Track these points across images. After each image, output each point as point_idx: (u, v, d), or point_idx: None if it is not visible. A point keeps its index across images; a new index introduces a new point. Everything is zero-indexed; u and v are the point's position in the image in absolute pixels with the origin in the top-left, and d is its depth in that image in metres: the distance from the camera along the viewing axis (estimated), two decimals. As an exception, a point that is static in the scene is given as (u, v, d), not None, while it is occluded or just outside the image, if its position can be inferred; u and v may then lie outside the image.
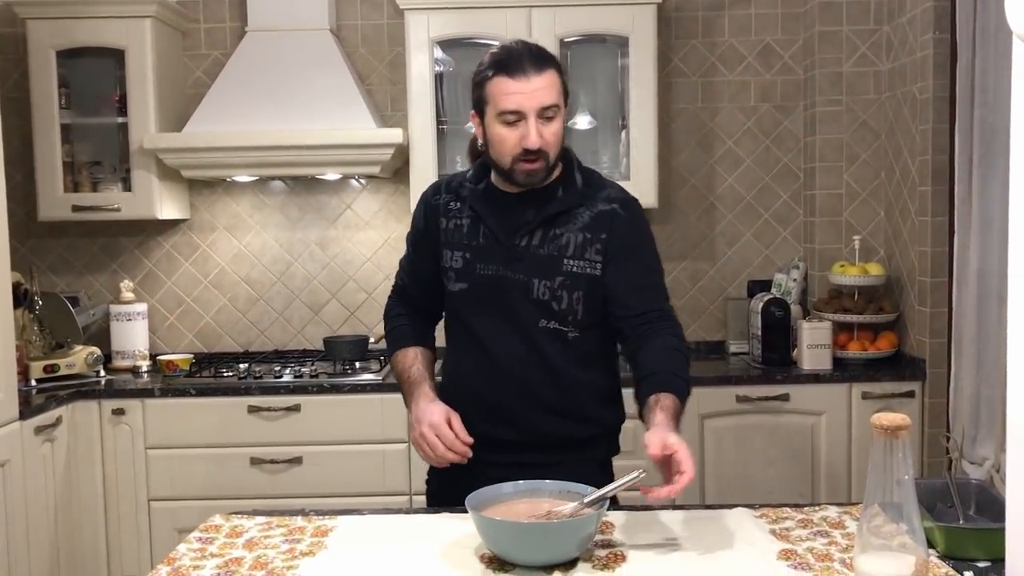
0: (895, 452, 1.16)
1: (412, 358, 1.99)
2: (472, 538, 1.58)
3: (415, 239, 2.02)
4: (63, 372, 3.28)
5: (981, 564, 1.47)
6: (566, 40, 3.38)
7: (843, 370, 3.26)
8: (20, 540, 2.83)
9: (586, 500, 1.54)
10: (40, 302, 3.32)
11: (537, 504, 1.58)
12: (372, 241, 3.79)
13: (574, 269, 1.85)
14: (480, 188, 1.92)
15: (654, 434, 1.58)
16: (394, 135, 3.33)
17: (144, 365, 3.50)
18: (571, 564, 1.48)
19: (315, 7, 3.53)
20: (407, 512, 1.83)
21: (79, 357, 3.32)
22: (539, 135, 1.78)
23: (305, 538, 1.66)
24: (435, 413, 1.83)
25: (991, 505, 1.62)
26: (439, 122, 3.45)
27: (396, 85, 3.71)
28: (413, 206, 3.38)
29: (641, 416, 1.74)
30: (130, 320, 3.57)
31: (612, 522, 1.68)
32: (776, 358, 3.34)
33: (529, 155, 1.79)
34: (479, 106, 1.84)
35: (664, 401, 1.69)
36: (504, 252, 1.87)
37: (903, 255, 3.37)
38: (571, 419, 1.91)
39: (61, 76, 3.46)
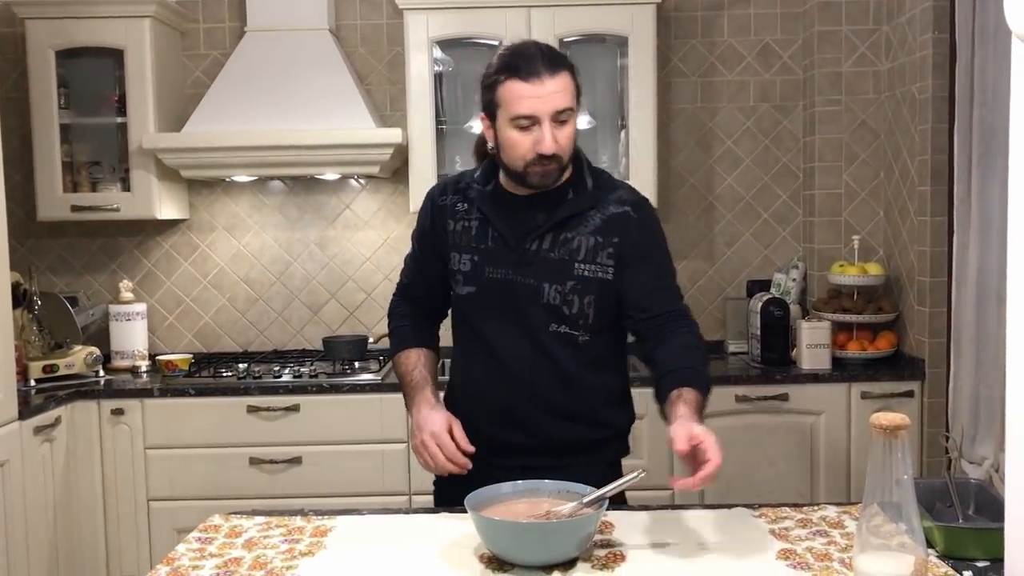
0: (894, 452, 1.16)
1: (415, 360, 1.98)
2: (471, 538, 1.57)
3: (421, 238, 2.00)
4: (62, 372, 3.28)
5: (980, 564, 1.47)
6: (565, 40, 3.38)
7: (842, 370, 3.26)
8: (19, 540, 2.82)
9: (585, 500, 1.53)
10: (39, 302, 3.31)
11: (536, 504, 1.58)
12: (371, 241, 3.79)
13: (585, 273, 1.83)
14: (488, 190, 1.89)
15: (679, 427, 1.56)
16: (393, 135, 3.33)
17: (143, 365, 3.50)
18: (570, 564, 1.48)
19: (314, 7, 3.53)
20: (406, 512, 1.83)
21: (78, 357, 3.32)
22: (554, 139, 1.74)
23: (304, 538, 1.66)
24: (436, 422, 1.82)
25: (990, 505, 1.62)
26: (438, 122, 3.45)
27: (395, 85, 3.71)
28: (412, 206, 3.44)
29: (662, 414, 1.71)
30: (129, 320, 3.57)
31: (611, 522, 1.68)
32: (775, 358, 3.34)
33: (543, 159, 1.76)
34: (490, 109, 1.80)
35: (686, 395, 1.67)
36: (513, 256, 1.85)
37: (902, 255, 3.37)
38: (581, 423, 1.89)
39: (60, 76, 3.46)
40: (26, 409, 2.92)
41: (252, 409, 3.19)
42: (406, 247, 3.92)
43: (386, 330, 3.68)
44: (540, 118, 1.73)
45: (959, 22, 2.83)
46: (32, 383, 3.21)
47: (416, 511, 1.85)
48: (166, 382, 3.29)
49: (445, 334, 2.07)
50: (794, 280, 3.60)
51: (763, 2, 3.71)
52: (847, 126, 3.55)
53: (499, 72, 1.77)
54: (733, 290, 3.76)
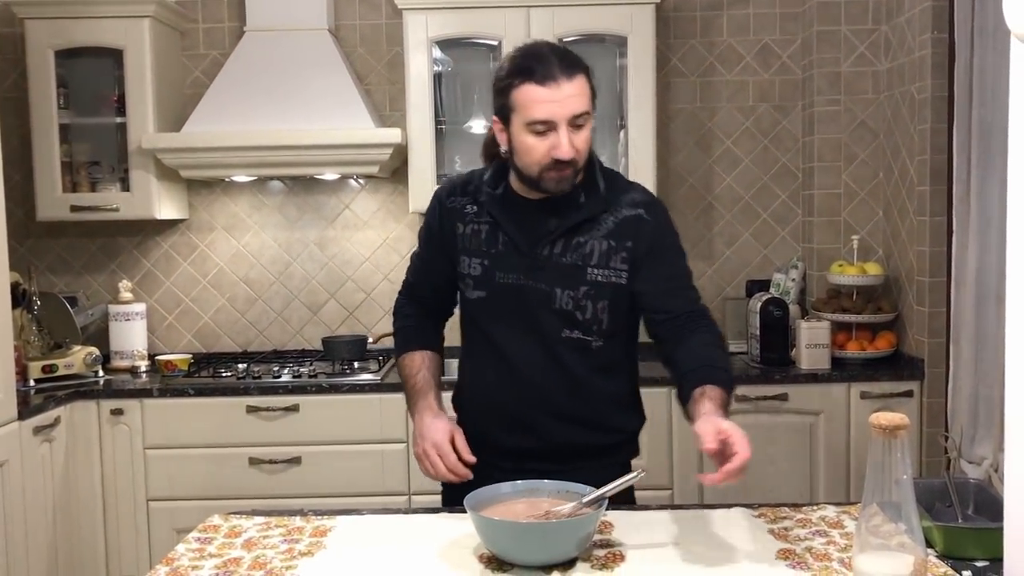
0: (893, 452, 1.16)
1: (419, 364, 1.96)
2: (471, 538, 1.57)
3: (428, 238, 1.97)
4: (61, 372, 3.27)
5: (979, 563, 1.47)
6: (564, 40, 3.37)
7: (842, 370, 3.26)
8: (18, 540, 2.82)
9: (584, 500, 1.53)
10: (38, 302, 3.31)
11: (536, 504, 1.58)
12: (371, 241, 3.79)
13: (598, 278, 1.80)
14: (498, 193, 1.86)
15: (705, 424, 1.51)
16: (392, 135, 3.33)
17: (143, 365, 3.49)
18: (570, 564, 1.48)
19: (313, 7, 3.53)
20: (406, 512, 1.83)
21: (77, 357, 3.32)
22: (571, 144, 1.71)
23: (304, 538, 1.66)
24: (439, 431, 1.81)
25: (989, 505, 1.62)
26: (438, 122, 3.45)
27: (394, 85, 3.71)
28: (412, 206, 3.44)
29: (686, 413, 1.68)
30: (128, 320, 3.57)
31: (611, 522, 1.67)
32: (775, 358, 3.34)
33: (559, 164, 1.72)
34: (503, 113, 1.76)
35: (709, 392, 1.64)
36: (525, 261, 1.82)
37: (901, 255, 3.37)
38: (591, 428, 1.87)
39: (59, 76, 3.46)
40: (25, 409, 2.92)
41: (251, 409, 3.19)
42: (406, 247, 3.95)
43: (386, 330, 3.72)
44: (557, 123, 1.70)
45: (958, 22, 2.83)
46: (31, 383, 3.21)
47: (416, 511, 1.85)
48: (165, 382, 3.29)
49: (450, 334, 2.06)
50: (793, 280, 3.60)
51: (762, 2, 3.71)
52: (846, 126, 3.55)
53: (513, 75, 1.73)
54: (732, 290, 3.76)
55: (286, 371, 3.34)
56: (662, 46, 3.64)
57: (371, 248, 3.79)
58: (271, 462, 3.19)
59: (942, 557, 1.49)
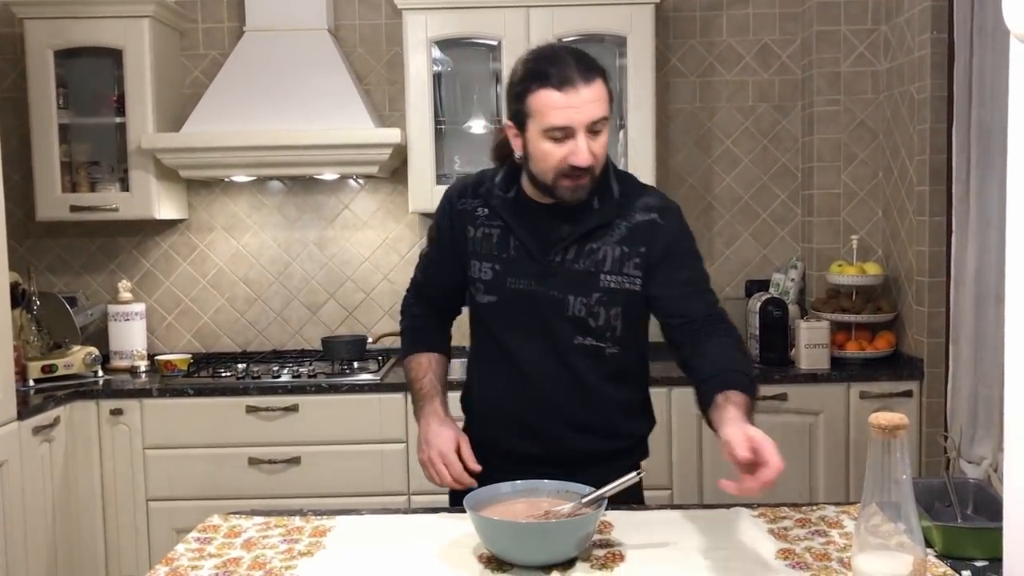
0: (893, 451, 1.16)
1: (425, 367, 1.95)
2: (470, 538, 1.57)
3: (438, 238, 1.95)
4: (61, 372, 3.27)
5: (979, 563, 1.47)
6: (564, 40, 3.37)
7: (841, 370, 3.26)
8: (18, 540, 2.82)
9: (584, 500, 1.53)
10: (38, 302, 3.31)
11: (535, 504, 1.58)
12: (370, 241, 3.79)
13: (611, 285, 1.77)
14: (510, 197, 1.82)
15: (735, 431, 1.44)
16: (392, 135, 3.33)
17: (142, 365, 3.49)
18: (569, 564, 1.48)
19: (313, 7, 3.53)
20: (405, 512, 1.83)
21: (77, 357, 3.32)
22: (589, 151, 1.67)
23: (303, 538, 1.66)
24: (445, 440, 1.81)
25: (989, 504, 1.62)
26: (437, 122, 3.45)
27: (394, 85, 3.71)
28: (411, 206, 3.44)
29: (707, 420, 1.62)
30: (128, 320, 3.57)
31: (610, 522, 1.67)
32: (774, 358, 3.34)
33: (576, 171, 1.68)
34: (518, 119, 1.72)
35: (733, 398, 1.56)
36: (537, 267, 1.79)
37: (901, 255, 3.37)
38: (601, 436, 1.86)
39: (59, 76, 3.46)
40: (25, 409, 2.92)
41: (251, 409, 3.19)
42: (405, 247, 3.94)
43: (385, 330, 3.73)
44: (575, 129, 1.66)
45: (958, 22, 2.83)
46: (31, 383, 3.21)
47: (415, 511, 1.85)
48: (165, 382, 3.29)
49: (457, 333, 2.05)
50: (793, 280, 3.60)
51: (762, 2, 3.71)
52: (846, 126, 3.55)
53: (529, 80, 1.68)
54: (732, 290, 3.76)
55: (285, 371, 3.34)
56: (661, 46, 3.64)
57: (371, 248, 3.79)
58: (270, 462, 3.19)
59: (941, 557, 1.49)
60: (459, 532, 1.63)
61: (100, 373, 3.38)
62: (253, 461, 3.19)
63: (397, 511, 1.85)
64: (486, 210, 1.85)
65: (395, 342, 3.58)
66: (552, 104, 1.65)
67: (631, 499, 1.65)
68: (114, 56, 3.44)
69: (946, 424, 3.02)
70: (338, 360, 3.46)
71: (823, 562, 1.48)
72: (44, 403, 3.03)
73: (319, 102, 3.40)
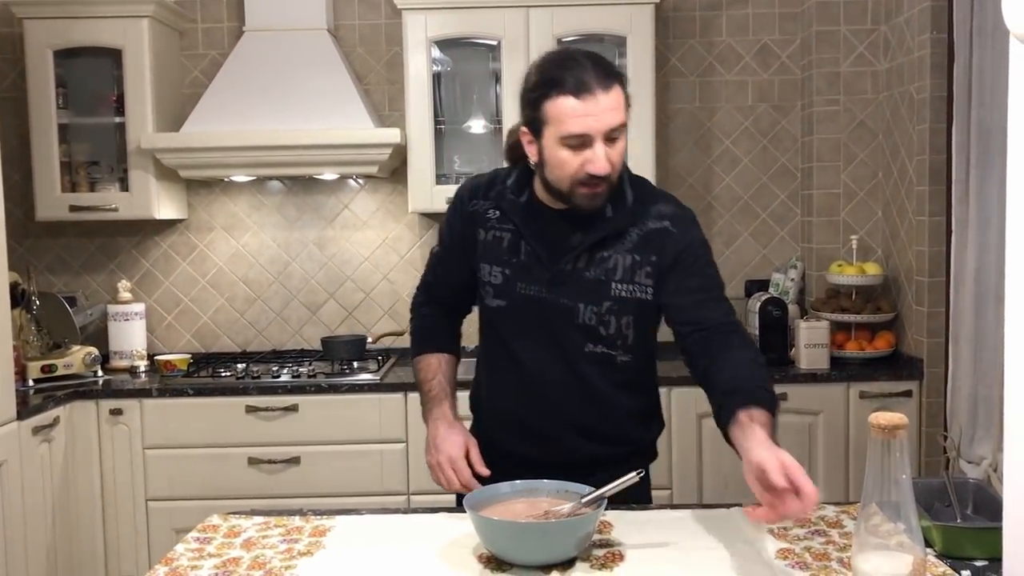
0: (892, 451, 1.16)
1: (435, 368, 1.93)
2: (470, 538, 1.57)
3: (449, 237, 1.92)
4: (60, 372, 3.27)
5: (978, 563, 1.47)
6: (564, 40, 3.38)
7: (841, 370, 3.26)
8: (17, 541, 2.82)
9: (584, 500, 1.53)
10: (37, 302, 3.31)
11: (535, 504, 1.58)
12: (370, 241, 3.79)
13: (622, 294, 1.75)
14: (522, 201, 1.79)
15: (770, 457, 1.39)
16: (392, 135, 3.33)
17: (142, 365, 3.49)
18: (569, 564, 1.48)
19: (312, 7, 3.53)
20: (405, 512, 1.83)
21: (76, 357, 3.32)
22: (607, 159, 1.64)
23: (303, 538, 1.66)
24: (454, 445, 1.79)
25: (988, 504, 1.62)
26: (437, 122, 3.45)
27: (394, 85, 3.71)
28: (411, 206, 3.44)
29: (726, 436, 1.57)
30: (128, 320, 3.57)
31: (610, 522, 1.67)
32: (774, 358, 3.33)
33: (593, 179, 1.65)
34: (534, 126, 1.68)
35: (759, 417, 1.51)
36: (547, 274, 1.77)
37: (900, 255, 3.37)
38: (611, 443, 1.84)
39: (58, 76, 3.46)
40: (24, 409, 2.92)
41: (251, 409, 3.19)
42: (405, 247, 3.94)
43: (384, 330, 3.74)
44: (593, 137, 1.63)
45: (957, 22, 2.83)
46: (30, 383, 3.21)
47: (415, 511, 1.85)
48: (164, 382, 3.29)
49: (466, 331, 2.03)
50: (792, 280, 3.60)
51: (761, 2, 3.71)
52: (845, 126, 3.55)
53: (545, 86, 1.65)
54: (731, 290, 3.72)
55: (285, 371, 3.34)
56: (661, 46, 3.64)
57: (370, 248, 3.79)
58: (270, 462, 3.19)
59: (941, 557, 1.49)
60: (459, 532, 1.63)
61: (100, 373, 3.38)
62: (253, 461, 3.19)
63: (397, 511, 1.85)
64: (497, 213, 1.83)
65: (395, 342, 3.60)
66: (569, 111, 1.62)
67: (640, 499, 1.64)
68: (114, 56, 3.44)
69: (946, 424, 3.02)
70: (338, 360, 3.46)
71: (823, 562, 1.48)
72: (44, 403, 3.03)
73: (319, 102, 3.40)
